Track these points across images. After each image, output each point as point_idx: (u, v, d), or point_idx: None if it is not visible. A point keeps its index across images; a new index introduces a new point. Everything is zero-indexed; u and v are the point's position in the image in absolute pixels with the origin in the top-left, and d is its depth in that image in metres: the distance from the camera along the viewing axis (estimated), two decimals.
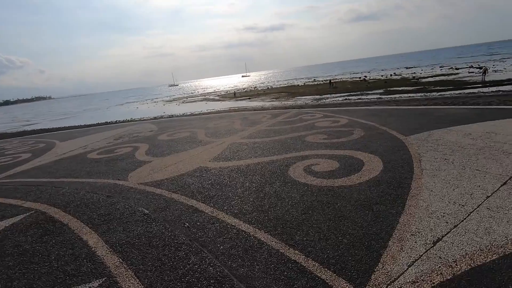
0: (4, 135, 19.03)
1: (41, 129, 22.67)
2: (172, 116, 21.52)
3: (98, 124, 19.86)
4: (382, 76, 50.99)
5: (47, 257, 2.75)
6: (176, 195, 4.20)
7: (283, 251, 2.65)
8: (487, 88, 23.35)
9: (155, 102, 56.34)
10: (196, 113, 21.92)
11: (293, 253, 2.60)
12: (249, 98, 41.44)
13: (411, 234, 2.67)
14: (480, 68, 37.85)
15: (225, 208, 3.64)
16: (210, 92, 67.05)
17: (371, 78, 49.19)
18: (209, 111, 24.51)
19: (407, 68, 65.82)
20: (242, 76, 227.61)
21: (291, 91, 44.40)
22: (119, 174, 5.64)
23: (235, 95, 49.97)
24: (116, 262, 2.53)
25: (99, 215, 3.58)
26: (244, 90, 60.83)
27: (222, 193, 4.12)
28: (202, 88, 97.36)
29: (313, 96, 33.29)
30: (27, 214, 3.85)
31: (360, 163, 4.62)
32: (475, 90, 22.84)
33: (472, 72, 36.29)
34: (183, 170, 5.42)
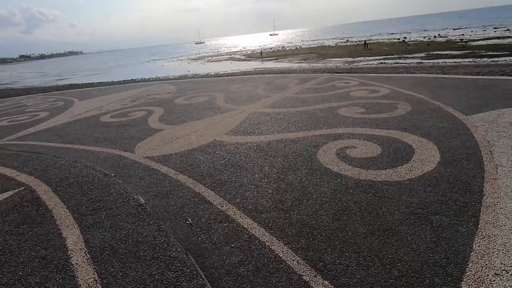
0: (31, 90, 19.33)
1: (68, 84, 22.87)
2: (195, 76, 20.71)
3: (119, 82, 19.58)
4: (424, 37, 45.94)
5: (15, 259, 2.27)
6: (183, 177, 3.58)
7: (307, 278, 1.96)
8: None
9: (180, 60, 55.43)
10: (220, 73, 20.95)
11: (321, 284, 1.91)
12: (276, 59, 39.43)
13: (495, 274, 1.86)
14: None
15: (237, 200, 2.98)
16: (236, 51, 64.63)
17: (412, 39, 44.49)
18: (233, 71, 23.40)
19: (454, 29, 58.76)
20: (270, 35, 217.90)
21: (321, 52, 41.52)
22: (127, 143, 5.11)
23: (262, 55, 47.82)
24: (90, 279, 1.99)
25: (88, 201, 3.06)
26: (271, 50, 58.09)
27: (236, 179, 3.44)
28: (228, 47, 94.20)
29: (345, 59, 30.76)
30: (16, 191, 3.42)
31: (409, 150, 3.69)
32: None
33: None
34: (195, 143, 4.76)
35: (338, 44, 52.26)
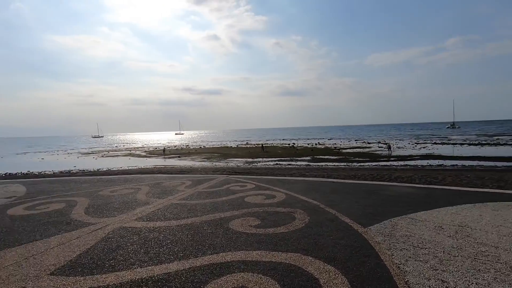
0: None
1: None
2: (77, 172, 17.31)
3: None
4: (308, 144, 54.68)
5: None
6: None
7: None
8: (396, 162, 25.85)
9: (68, 153, 48.62)
10: (113, 169, 18.25)
11: None
12: (178, 157, 38.83)
13: None
14: (385, 143, 43.72)
15: None
16: (138, 147, 61.85)
17: (299, 145, 52.15)
18: (128, 168, 20.94)
19: (328, 139, 72.90)
20: (176, 134, 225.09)
21: (223, 152, 43.50)
22: None
23: (164, 152, 46.82)
24: None
25: None
26: (175, 148, 58.08)
27: None
28: (129, 142, 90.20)
29: (245, 159, 32.56)
30: None
31: None
32: (388, 163, 25.01)
33: (381, 147, 41.18)
34: None
35: (239, 146, 56.53)
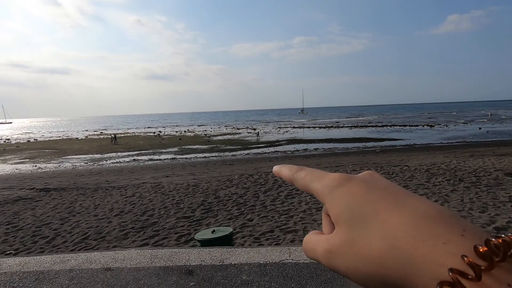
0: None
1: None
2: None
3: None
4: (176, 132, 50.02)
5: None
6: None
7: None
8: (267, 148, 25.46)
9: None
10: None
11: None
12: None
13: None
14: (254, 129, 44.92)
15: None
16: None
17: (166, 133, 46.84)
18: None
19: (198, 125, 70.09)
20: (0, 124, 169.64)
21: (62, 146, 33.19)
22: None
23: None
24: None
25: None
26: None
27: None
28: None
29: (91, 155, 25.11)
30: None
31: None
32: (260, 151, 24.15)
33: (250, 133, 41.55)
34: None
35: (89, 137, 45.67)
